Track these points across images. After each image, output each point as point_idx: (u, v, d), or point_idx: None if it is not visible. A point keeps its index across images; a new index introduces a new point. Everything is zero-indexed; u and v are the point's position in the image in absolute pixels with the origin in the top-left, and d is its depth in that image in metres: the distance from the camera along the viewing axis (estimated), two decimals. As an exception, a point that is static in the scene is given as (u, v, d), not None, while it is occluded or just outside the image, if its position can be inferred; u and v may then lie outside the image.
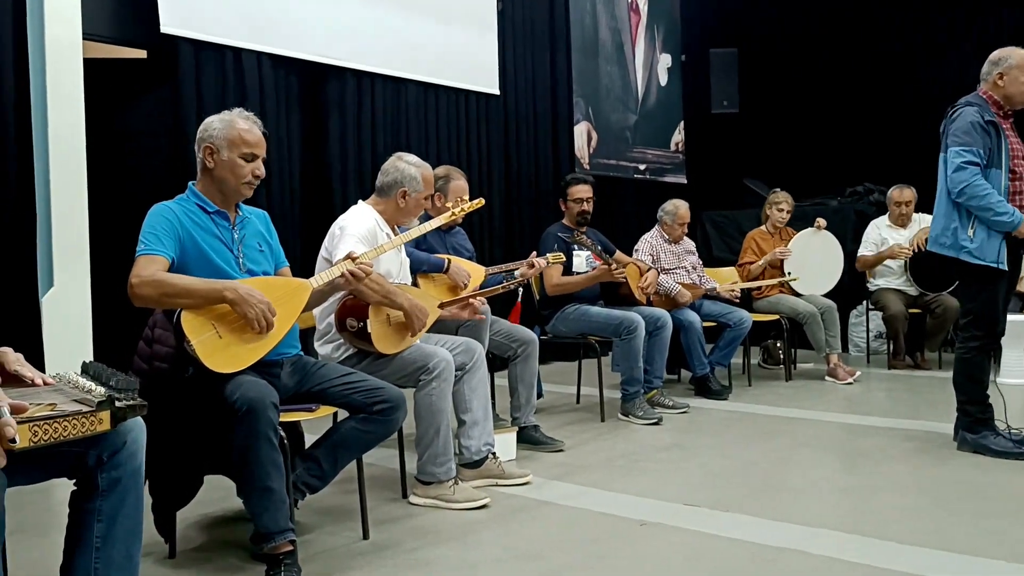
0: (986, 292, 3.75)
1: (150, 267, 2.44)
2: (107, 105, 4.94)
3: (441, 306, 3.44)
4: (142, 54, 5.15)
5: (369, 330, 3.04)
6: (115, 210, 4.93)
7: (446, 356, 3.19)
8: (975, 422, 3.81)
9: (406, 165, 3.38)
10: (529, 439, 4.04)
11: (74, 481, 1.84)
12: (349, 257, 2.73)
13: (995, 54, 3.80)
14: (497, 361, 4.27)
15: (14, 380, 1.76)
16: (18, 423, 1.35)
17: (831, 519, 2.96)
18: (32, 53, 4.14)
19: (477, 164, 6.67)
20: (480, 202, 3.44)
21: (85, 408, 1.49)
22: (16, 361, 1.81)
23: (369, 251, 2.89)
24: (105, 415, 1.52)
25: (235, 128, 2.65)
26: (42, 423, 1.39)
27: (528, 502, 3.25)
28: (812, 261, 6.05)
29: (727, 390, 5.38)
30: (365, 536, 2.86)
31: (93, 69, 4.47)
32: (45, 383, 1.76)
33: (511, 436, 3.88)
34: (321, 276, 2.72)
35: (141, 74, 5.17)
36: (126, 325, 4.85)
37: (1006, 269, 3.69)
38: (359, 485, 2.87)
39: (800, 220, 6.34)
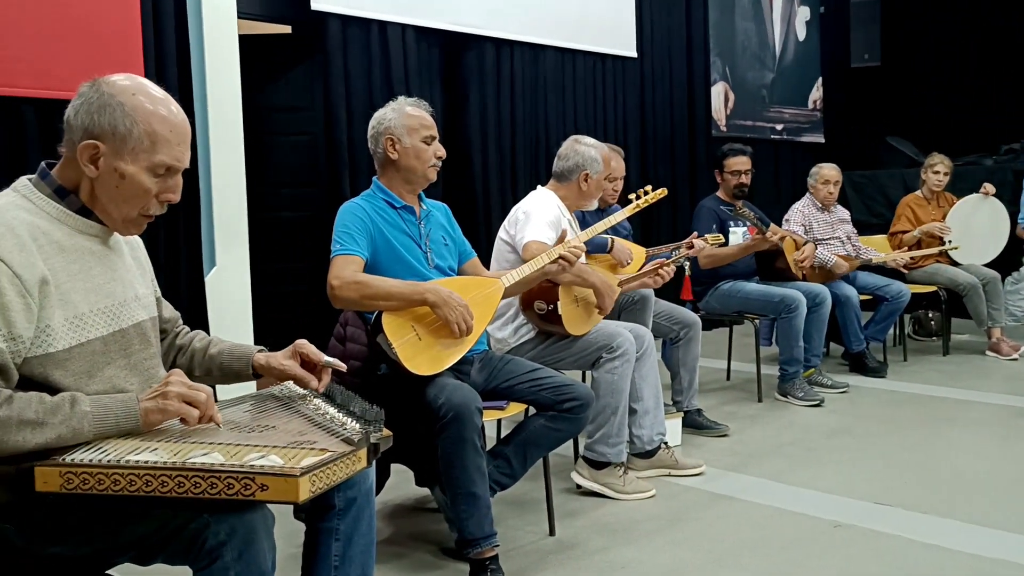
0: None
1: (348, 268, 2.44)
2: (254, 81, 4.96)
3: (620, 284, 3.36)
4: (286, 29, 5.15)
5: (560, 312, 2.99)
6: (266, 187, 5.01)
7: (629, 336, 3.12)
8: None
9: (586, 148, 3.32)
10: (693, 423, 3.94)
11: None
12: (562, 242, 2.75)
13: None
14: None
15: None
16: (299, 475, 1.32)
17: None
18: (191, 28, 4.13)
19: (613, 129, 6.49)
20: (663, 192, 3.33)
21: (347, 448, 1.45)
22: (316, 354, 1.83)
23: (581, 234, 2.91)
24: (363, 453, 1.47)
25: (409, 114, 2.64)
26: (318, 471, 1.35)
27: (707, 496, 3.17)
28: (975, 229, 5.68)
29: (884, 367, 5.14)
30: (551, 532, 2.83)
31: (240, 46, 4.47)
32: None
33: (676, 422, 3.80)
34: (512, 274, 2.66)
35: (285, 50, 5.18)
36: (281, 306, 4.98)
37: None
38: (545, 481, 2.84)
39: (953, 182, 5.90)
